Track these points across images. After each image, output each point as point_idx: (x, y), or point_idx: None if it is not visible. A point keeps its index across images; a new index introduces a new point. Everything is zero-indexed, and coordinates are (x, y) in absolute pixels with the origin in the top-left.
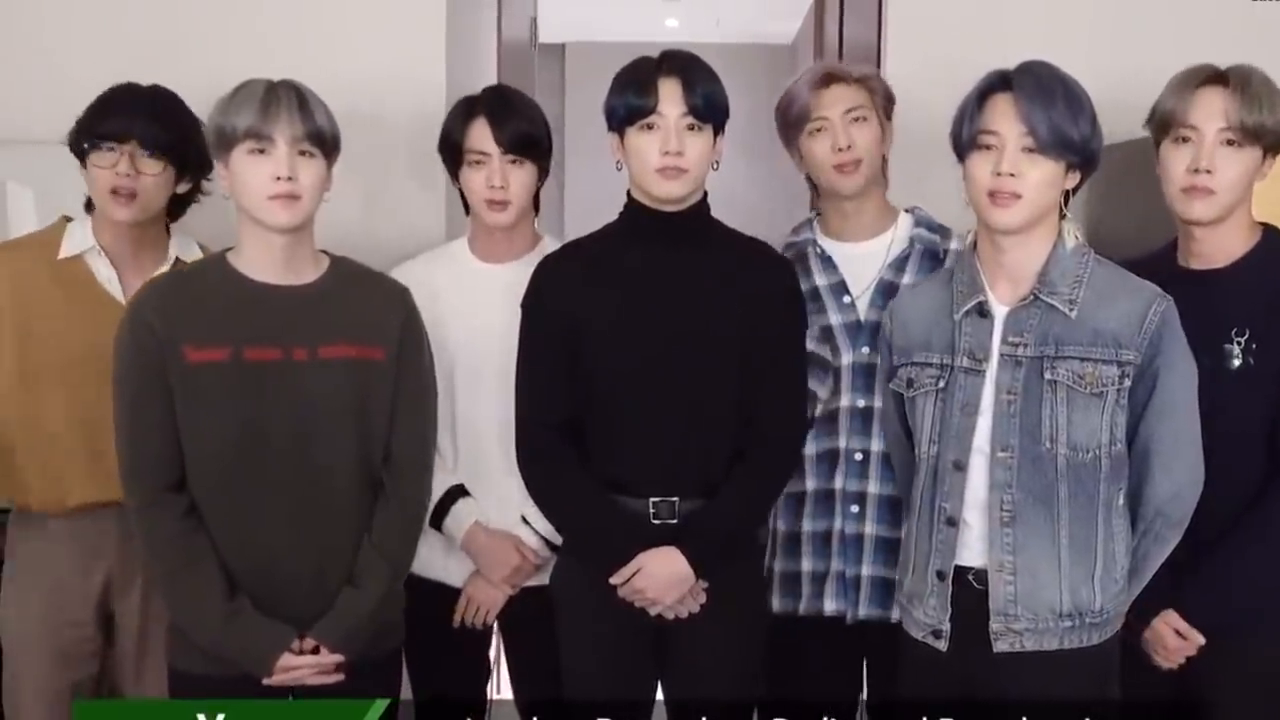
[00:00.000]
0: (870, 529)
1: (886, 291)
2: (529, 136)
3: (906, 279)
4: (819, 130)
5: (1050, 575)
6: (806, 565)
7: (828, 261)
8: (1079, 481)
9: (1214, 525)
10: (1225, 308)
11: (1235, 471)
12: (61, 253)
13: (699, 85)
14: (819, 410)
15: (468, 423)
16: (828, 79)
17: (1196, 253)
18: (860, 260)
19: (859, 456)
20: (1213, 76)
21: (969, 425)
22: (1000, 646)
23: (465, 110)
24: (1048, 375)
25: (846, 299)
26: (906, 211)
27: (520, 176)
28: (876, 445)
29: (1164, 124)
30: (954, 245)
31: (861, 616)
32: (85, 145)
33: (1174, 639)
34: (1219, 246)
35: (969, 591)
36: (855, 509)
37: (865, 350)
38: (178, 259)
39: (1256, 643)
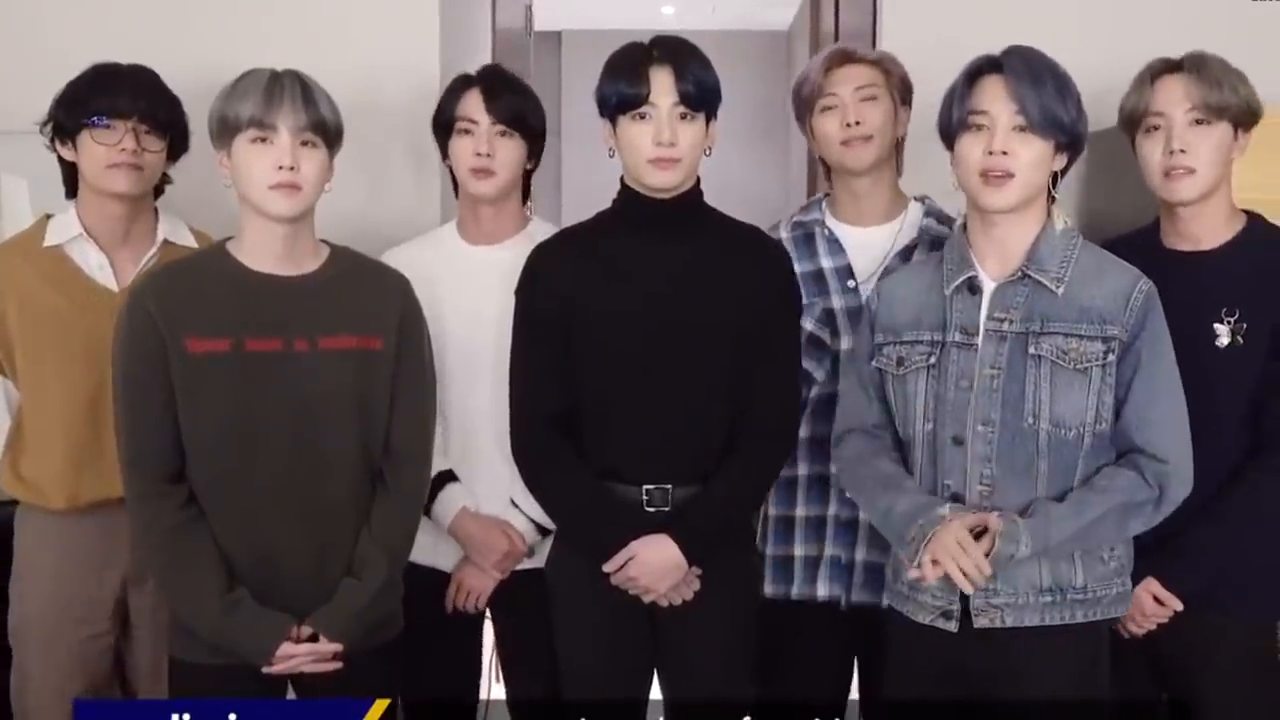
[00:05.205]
0: (865, 514)
1: None
2: (519, 110)
3: None
4: (829, 108)
5: None
6: (799, 550)
7: (835, 244)
8: (1060, 458)
9: (1198, 500)
10: (1214, 287)
11: (1221, 448)
12: (45, 241)
13: (691, 73)
14: (815, 393)
15: (460, 406)
16: (841, 59)
17: (1183, 234)
18: (868, 245)
19: None
20: (1169, 66)
21: (964, 400)
22: (980, 622)
23: (460, 84)
24: (1032, 350)
25: (851, 283)
26: (917, 200)
27: (508, 148)
28: None
29: (1132, 120)
30: None
31: (855, 601)
32: (83, 121)
33: (1151, 604)
34: (1205, 228)
35: None
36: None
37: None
38: (166, 240)
39: (1239, 619)
